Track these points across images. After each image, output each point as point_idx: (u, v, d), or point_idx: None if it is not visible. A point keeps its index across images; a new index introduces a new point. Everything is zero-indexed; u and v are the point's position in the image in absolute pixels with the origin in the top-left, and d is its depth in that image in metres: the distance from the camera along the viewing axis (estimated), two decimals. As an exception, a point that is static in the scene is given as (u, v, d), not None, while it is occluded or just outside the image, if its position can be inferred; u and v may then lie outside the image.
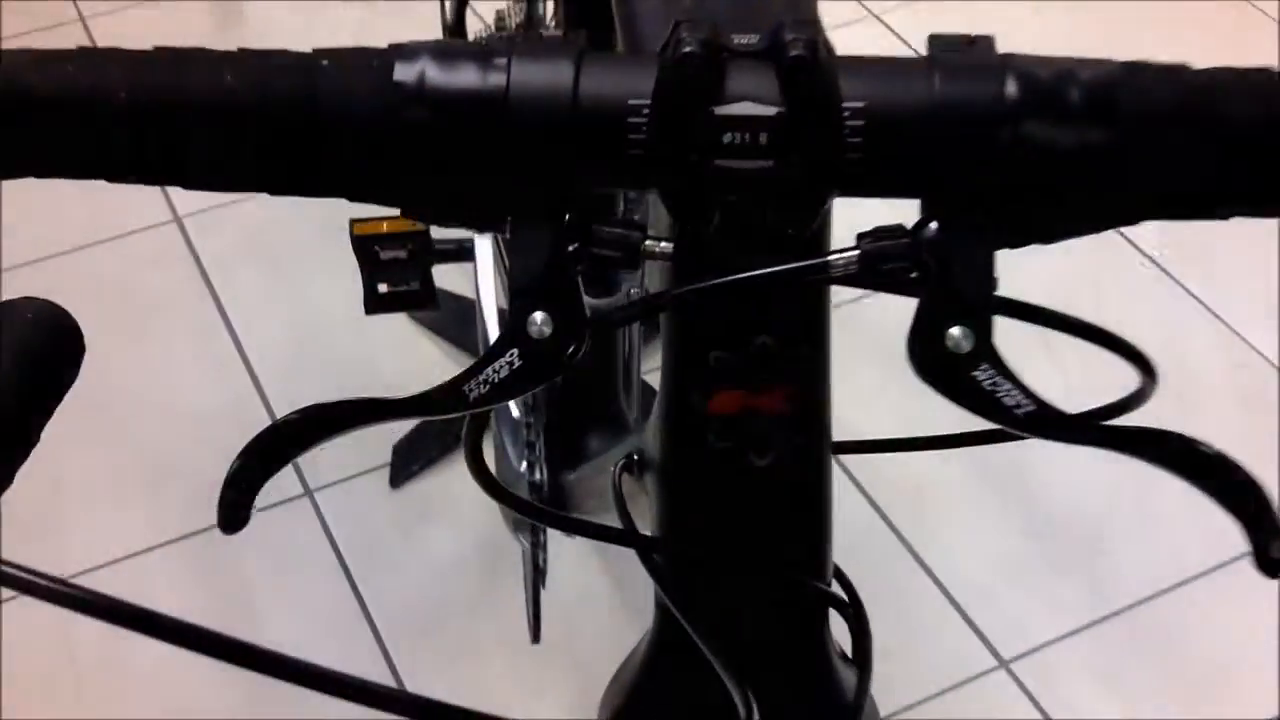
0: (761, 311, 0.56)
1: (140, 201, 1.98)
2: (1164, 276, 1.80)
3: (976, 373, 0.49)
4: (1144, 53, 0.48)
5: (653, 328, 1.50)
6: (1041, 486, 1.65)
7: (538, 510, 0.72)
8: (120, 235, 1.95)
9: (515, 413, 1.27)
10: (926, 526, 1.60)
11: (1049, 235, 0.48)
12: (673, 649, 0.66)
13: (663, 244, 0.51)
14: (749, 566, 0.63)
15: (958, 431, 0.65)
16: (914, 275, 0.49)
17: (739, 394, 0.58)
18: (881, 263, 0.49)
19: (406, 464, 1.67)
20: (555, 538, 1.29)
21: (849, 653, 0.67)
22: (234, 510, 0.51)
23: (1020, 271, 1.73)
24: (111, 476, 1.66)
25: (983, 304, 0.48)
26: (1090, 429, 0.51)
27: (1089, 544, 1.60)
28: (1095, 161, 0.46)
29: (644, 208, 0.75)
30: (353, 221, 1.31)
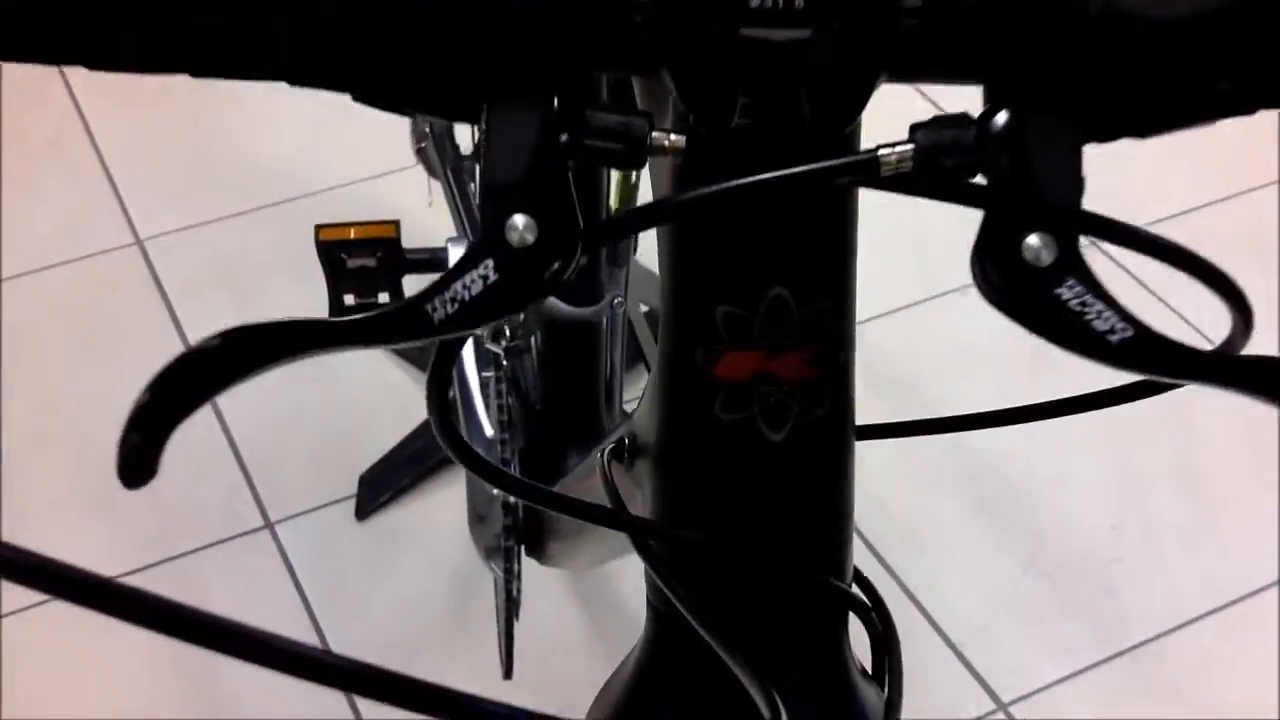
0: (778, 257, 0.48)
1: (101, 223, 1.90)
2: (1154, 300, 1.74)
3: (1061, 290, 0.40)
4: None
5: (636, 355, 1.43)
6: (1042, 524, 1.58)
7: (515, 483, 0.62)
8: (80, 258, 1.87)
9: (489, 432, 1.19)
10: (922, 564, 1.52)
11: (1145, 126, 0.40)
12: (668, 653, 0.58)
13: (673, 137, 0.43)
14: (756, 559, 0.54)
15: (1004, 408, 0.56)
16: (980, 178, 0.40)
17: (750, 357, 0.50)
18: (942, 157, 0.41)
19: (374, 494, 1.59)
20: (530, 567, 1.21)
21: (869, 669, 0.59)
22: (138, 457, 0.42)
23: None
24: (65, 506, 1.57)
25: (1068, 206, 0.39)
26: (1201, 361, 0.42)
27: (1090, 583, 1.53)
28: (1209, 31, 0.38)
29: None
30: (318, 227, 1.24)
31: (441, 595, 1.51)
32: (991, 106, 0.40)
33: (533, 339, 1.22)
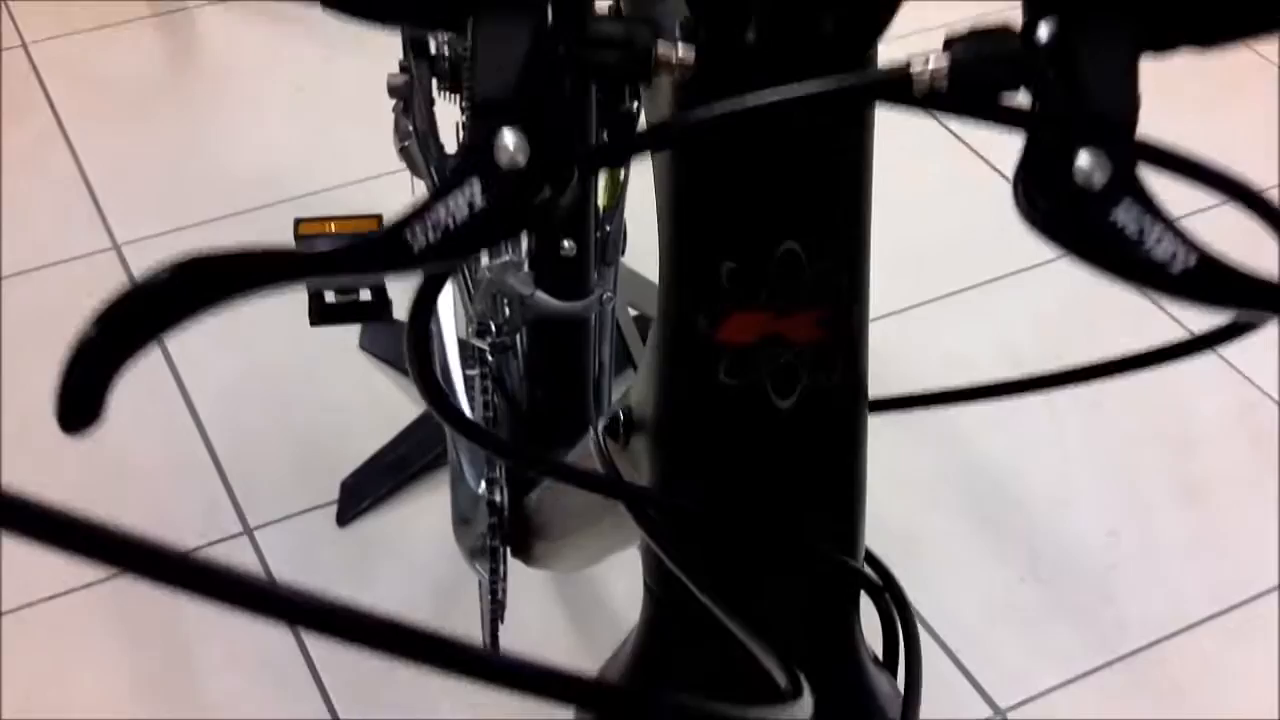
0: (790, 208, 0.45)
1: (78, 228, 1.87)
2: (1157, 310, 1.71)
3: (1116, 214, 0.36)
4: None
5: (624, 360, 1.40)
6: (1039, 531, 1.55)
7: (501, 445, 0.58)
8: (57, 262, 1.83)
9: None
10: (919, 571, 1.48)
11: (1209, 34, 0.36)
12: (668, 637, 0.54)
13: (682, 49, 0.39)
14: (760, 532, 0.51)
15: (1021, 377, 0.52)
16: (1021, 97, 0.37)
17: (758, 317, 0.46)
18: (981, 72, 0.37)
19: (355, 500, 1.55)
20: (516, 569, 1.18)
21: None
22: (80, 398, 0.37)
23: (1006, 309, 1.61)
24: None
25: (1124, 120, 0.36)
26: (1273, 291, 0.38)
27: (1087, 590, 1.50)
28: None
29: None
30: (298, 221, 1.21)
31: (424, 602, 1.47)
32: (1034, 14, 0.37)
33: (519, 336, 1.18)
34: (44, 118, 2.02)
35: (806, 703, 0.45)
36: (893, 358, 1.68)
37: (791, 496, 0.50)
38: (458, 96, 1.37)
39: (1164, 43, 0.37)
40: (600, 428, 0.58)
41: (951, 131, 1.94)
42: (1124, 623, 1.47)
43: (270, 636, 1.43)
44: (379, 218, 1.14)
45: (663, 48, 0.39)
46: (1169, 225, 0.37)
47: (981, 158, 1.88)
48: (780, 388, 0.47)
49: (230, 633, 1.44)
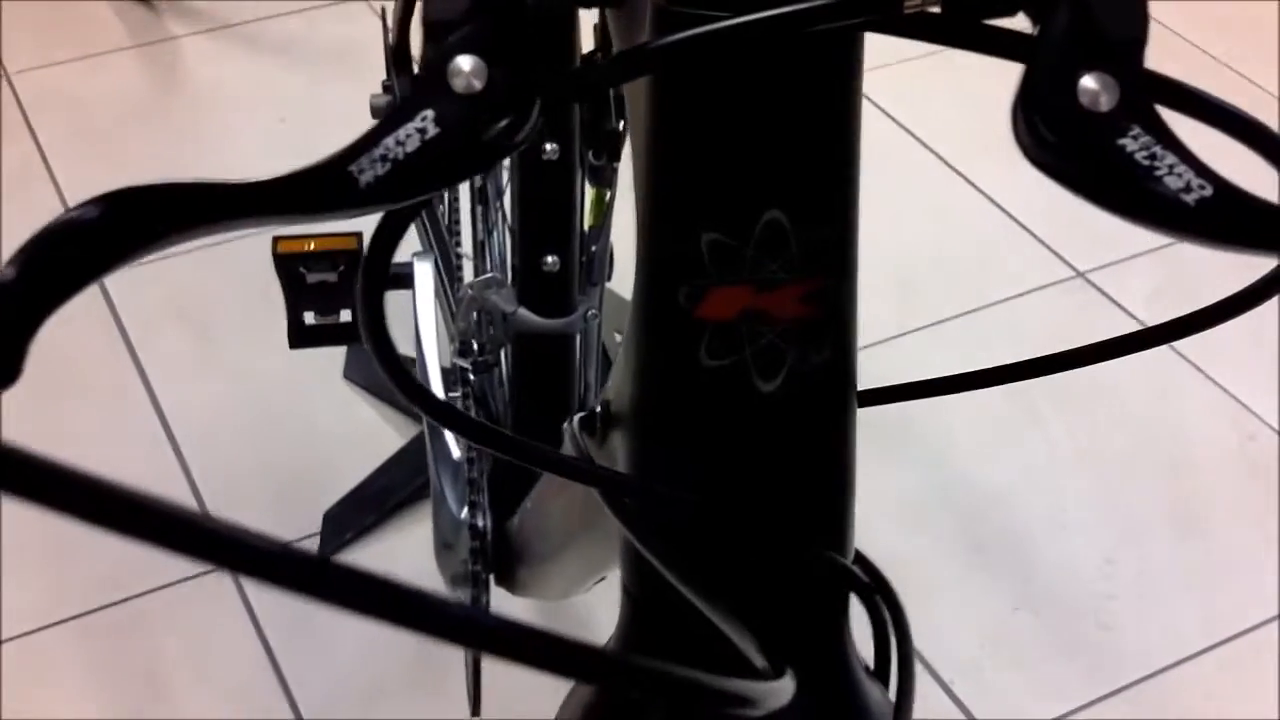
0: (774, 173, 0.42)
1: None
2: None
3: (1125, 140, 0.33)
4: None
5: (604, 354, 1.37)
6: (1033, 560, 1.52)
7: (461, 420, 0.54)
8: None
9: (455, 453, 1.13)
10: (911, 601, 1.45)
11: None
12: (648, 641, 0.51)
13: None
14: (742, 523, 0.48)
15: (1017, 360, 0.49)
16: (1020, 21, 0.34)
17: (740, 291, 0.43)
18: None
19: (338, 532, 1.52)
20: (499, 595, 1.15)
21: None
22: None
23: (993, 338, 1.58)
24: (13, 544, 1.50)
25: (1133, 39, 0.33)
26: None
27: (1083, 620, 1.47)
28: None
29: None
30: (276, 239, 1.18)
31: (406, 635, 1.44)
32: None
33: (502, 354, 1.16)
34: (26, 147, 2.01)
35: (788, 684, 0.42)
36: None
37: (776, 487, 0.48)
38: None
39: None
40: (575, 422, 0.55)
41: (940, 157, 1.92)
42: (1120, 654, 1.44)
43: (246, 664, 1.40)
44: (358, 235, 1.11)
45: None
46: (1183, 153, 0.34)
47: (971, 184, 1.86)
48: (764, 369, 0.45)
49: (205, 663, 1.41)
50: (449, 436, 1.13)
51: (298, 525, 1.53)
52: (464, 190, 1.33)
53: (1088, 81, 0.34)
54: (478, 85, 0.34)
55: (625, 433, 0.50)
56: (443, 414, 0.50)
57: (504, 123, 0.35)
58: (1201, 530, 1.55)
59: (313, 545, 1.51)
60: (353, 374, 1.69)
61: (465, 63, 0.34)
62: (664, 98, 0.42)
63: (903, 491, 1.57)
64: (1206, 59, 2.19)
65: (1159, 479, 1.60)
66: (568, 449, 0.55)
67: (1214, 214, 0.34)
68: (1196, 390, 1.69)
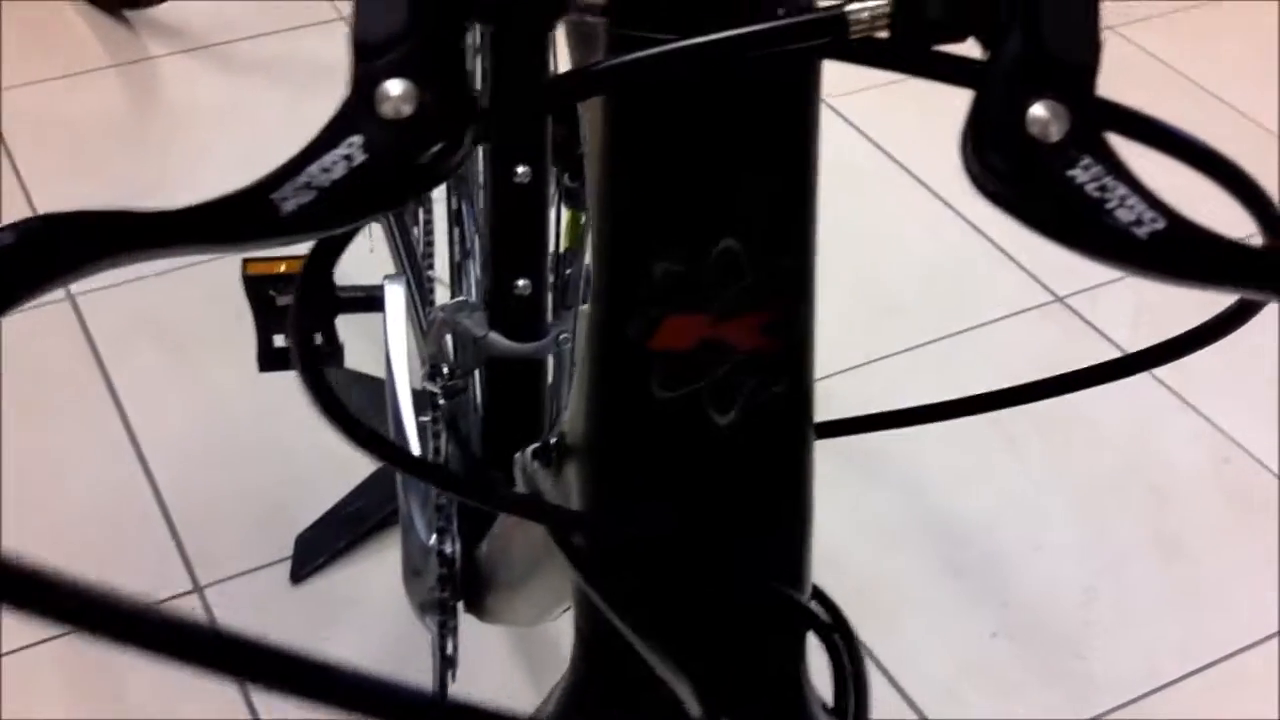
0: (728, 201, 0.41)
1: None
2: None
3: (1075, 171, 0.33)
4: None
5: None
6: (1011, 586, 1.51)
7: (401, 456, 0.52)
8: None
9: (426, 478, 1.12)
10: (887, 627, 1.45)
11: None
12: (600, 684, 0.50)
13: None
14: (697, 560, 0.46)
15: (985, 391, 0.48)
16: (973, 35, 0.33)
17: (694, 321, 0.42)
18: (927, 11, 0.33)
19: (310, 556, 1.50)
20: (470, 625, 1.13)
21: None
22: None
23: (974, 362, 1.57)
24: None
25: (1085, 67, 0.32)
26: (1256, 260, 0.34)
27: (1062, 647, 1.46)
28: None
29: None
30: (245, 260, 1.17)
31: (379, 662, 1.42)
32: None
33: (473, 379, 1.15)
34: (4, 175, 1.99)
35: None
36: (859, 411, 1.65)
37: (730, 520, 0.46)
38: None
39: None
40: (529, 452, 0.54)
41: (921, 182, 1.92)
42: (1099, 681, 1.43)
43: (215, 698, 1.38)
44: (329, 257, 1.10)
45: None
46: (1135, 185, 0.33)
47: (950, 207, 1.86)
48: (719, 401, 0.44)
49: (173, 694, 1.39)
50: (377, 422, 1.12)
51: (270, 548, 1.52)
52: (439, 211, 1.32)
53: (1037, 110, 0.33)
54: (407, 110, 0.33)
55: (578, 465, 0.49)
56: (375, 447, 0.49)
57: (435, 149, 0.34)
58: (1179, 556, 1.54)
59: (285, 568, 1.50)
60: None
61: (394, 87, 0.33)
62: (614, 122, 0.41)
63: (880, 515, 1.55)
64: (1186, 82, 2.19)
65: (1136, 504, 1.59)
66: (518, 481, 0.54)
67: (1166, 248, 0.33)
68: (1173, 415, 1.68)
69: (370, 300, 1.19)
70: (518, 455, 0.55)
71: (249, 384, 1.59)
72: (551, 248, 1.08)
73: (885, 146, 1.98)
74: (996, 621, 1.47)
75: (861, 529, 1.53)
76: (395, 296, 1.17)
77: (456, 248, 1.28)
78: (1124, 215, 0.33)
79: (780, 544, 0.48)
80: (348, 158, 0.33)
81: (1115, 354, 1.69)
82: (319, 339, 1.20)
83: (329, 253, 0.40)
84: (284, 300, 1.12)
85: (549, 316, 1.07)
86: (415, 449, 1.10)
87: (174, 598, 1.47)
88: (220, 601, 1.47)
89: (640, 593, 0.46)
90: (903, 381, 1.70)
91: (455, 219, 1.26)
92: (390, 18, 0.33)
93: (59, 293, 1.80)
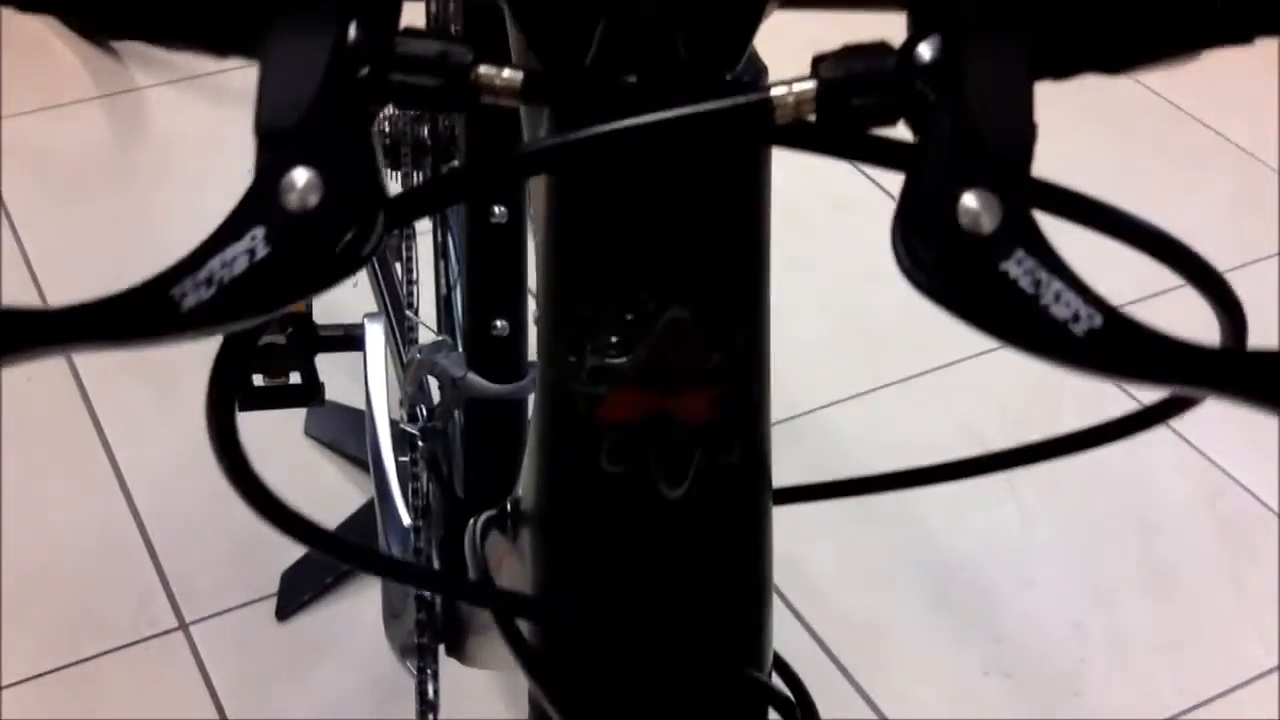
0: (673, 267, 0.39)
1: (13, 300, 1.81)
2: (1123, 395, 1.68)
3: (1008, 265, 0.31)
4: None
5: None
6: (1003, 623, 1.49)
7: (322, 537, 0.51)
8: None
9: (405, 520, 1.10)
10: (879, 664, 1.43)
11: (1114, 56, 0.31)
12: None
13: (506, 73, 0.34)
14: (652, 643, 0.45)
15: (955, 459, 0.47)
16: (903, 118, 0.32)
17: (641, 394, 0.41)
18: (853, 94, 0.32)
19: (296, 593, 1.49)
20: (453, 667, 1.12)
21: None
22: None
23: (967, 394, 1.56)
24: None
25: (1017, 155, 0.31)
26: (1197, 359, 0.32)
27: (1055, 684, 1.44)
28: None
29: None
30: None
31: (364, 700, 1.41)
32: (917, 31, 0.32)
33: (452, 420, 1.13)
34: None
35: None
36: (851, 443, 1.64)
37: (685, 599, 0.45)
38: (398, 174, 1.33)
39: (1062, 67, 0.32)
40: (479, 521, 0.52)
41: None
42: (1093, 718, 1.41)
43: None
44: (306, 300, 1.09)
45: (484, 72, 0.34)
46: (1070, 279, 0.32)
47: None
48: (669, 474, 0.42)
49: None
50: (399, 504, 1.11)
51: (255, 585, 1.50)
52: (425, 245, 1.31)
53: (968, 200, 0.31)
54: (313, 201, 0.32)
55: (531, 535, 0.47)
56: (306, 535, 0.48)
57: (346, 239, 0.32)
58: (1174, 591, 1.52)
59: (271, 605, 1.48)
60: (315, 430, 1.66)
61: (300, 176, 0.32)
62: (557, 194, 0.39)
63: (870, 551, 1.54)
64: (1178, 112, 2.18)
65: (1128, 538, 1.57)
66: (467, 553, 0.52)
67: (1103, 346, 0.32)
68: (1166, 448, 1.66)
69: (350, 340, 1.17)
70: (470, 522, 0.54)
71: (237, 417, 1.58)
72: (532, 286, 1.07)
73: (874, 176, 1.97)
74: (989, 658, 1.46)
75: (851, 564, 1.52)
76: (375, 335, 1.16)
77: (442, 281, 1.26)
78: (1059, 311, 0.31)
79: (738, 619, 0.46)
80: (250, 251, 0.32)
81: (1105, 390, 1.68)
82: (297, 378, 1.19)
83: (239, 351, 0.38)
84: (263, 340, 1.10)
85: (529, 356, 1.06)
86: (396, 492, 1.09)
87: (159, 635, 1.45)
88: (206, 638, 1.46)
89: (591, 681, 0.45)
90: (894, 414, 1.69)
91: (441, 252, 1.25)
92: (295, 103, 0.32)
93: (45, 326, 1.79)
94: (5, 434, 1.65)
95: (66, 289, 1.82)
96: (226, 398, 0.40)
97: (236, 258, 0.32)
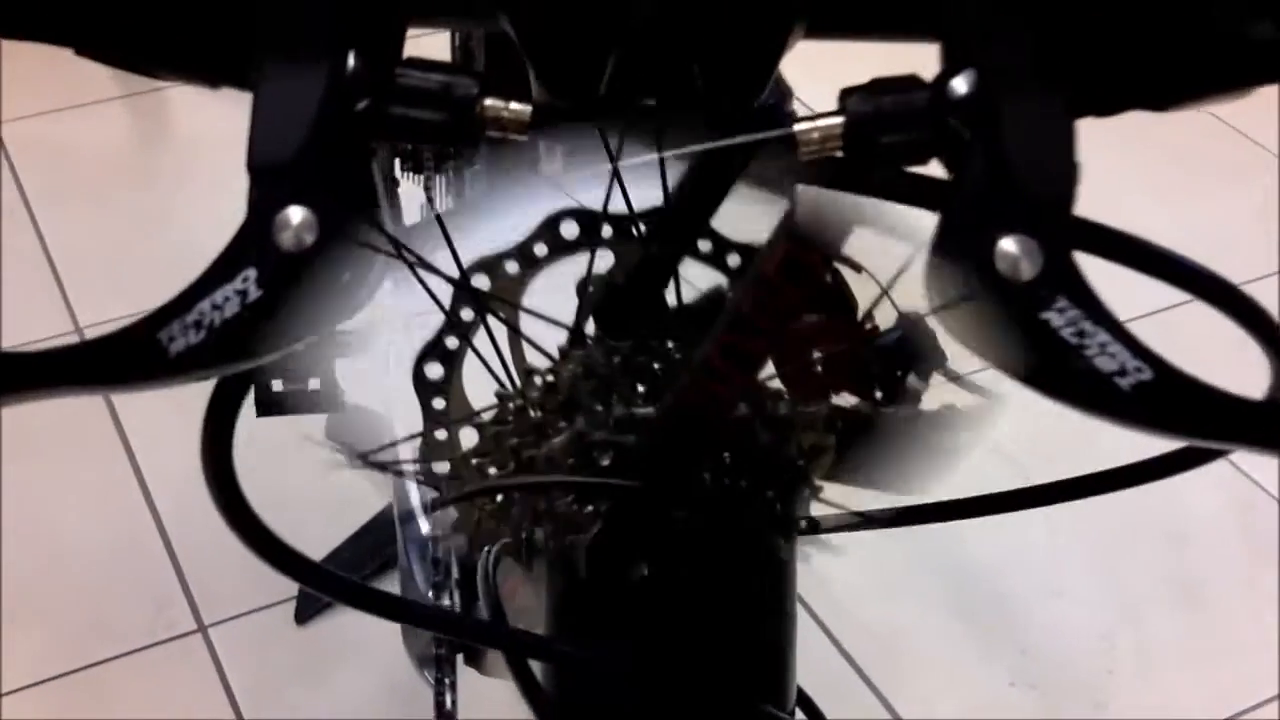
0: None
1: (40, 309, 1.81)
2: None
3: (1049, 314, 0.29)
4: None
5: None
6: (1029, 635, 1.47)
7: (322, 576, 0.49)
8: (16, 345, 1.77)
9: (425, 528, 1.09)
10: (902, 676, 1.42)
11: (1161, 93, 0.29)
12: None
13: (514, 105, 0.32)
14: (671, 680, 0.43)
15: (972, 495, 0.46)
16: (936, 157, 0.30)
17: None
18: (883, 131, 0.30)
19: (315, 597, 1.48)
20: (469, 676, 1.11)
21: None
22: None
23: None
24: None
25: (1058, 197, 0.28)
26: (1246, 414, 0.30)
27: (1081, 697, 1.43)
28: None
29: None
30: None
31: (381, 705, 1.40)
32: (951, 65, 0.30)
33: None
34: (10, 196, 1.98)
35: None
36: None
37: (705, 635, 0.43)
38: (420, 176, 1.32)
39: (1107, 105, 0.30)
40: (493, 550, 0.51)
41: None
42: (1119, 732, 1.40)
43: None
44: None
45: (490, 105, 0.32)
46: (1116, 329, 0.30)
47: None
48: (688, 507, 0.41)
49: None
50: (418, 513, 1.09)
51: (274, 589, 1.50)
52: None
53: (1006, 245, 0.29)
54: (308, 240, 0.30)
55: (546, 566, 0.46)
56: (304, 574, 0.46)
57: (343, 280, 0.31)
58: (1201, 603, 1.50)
59: (290, 609, 1.47)
60: (335, 433, 1.65)
61: (294, 214, 0.30)
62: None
63: (896, 561, 1.52)
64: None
65: (1157, 549, 1.55)
66: (479, 582, 0.51)
67: (1153, 401, 0.29)
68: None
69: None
70: (484, 550, 0.53)
71: (252, 425, 1.57)
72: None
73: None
74: (1014, 670, 1.44)
75: (876, 577, 1.50)
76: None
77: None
78: (1104, 364, 0.29)
79: (760, 656, 0.45)
80: (242, 293, 0.30)
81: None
82: (316, 384, 1.18)
83: (233, 396, 0.37)
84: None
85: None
86: (415, 502, 1.08)
87: (178, 637, 1.45)
88: (224, 642, 1.45)
89: (607, 715, 0.43)
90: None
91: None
92: (290, 137, 0.30)
93: (67, 325, 1.79)
94: (29, 438, 1.65)
95: (89, 288, 1.83)
96: (223, 439, 0.38)
97: (228, 300, 0.30)
